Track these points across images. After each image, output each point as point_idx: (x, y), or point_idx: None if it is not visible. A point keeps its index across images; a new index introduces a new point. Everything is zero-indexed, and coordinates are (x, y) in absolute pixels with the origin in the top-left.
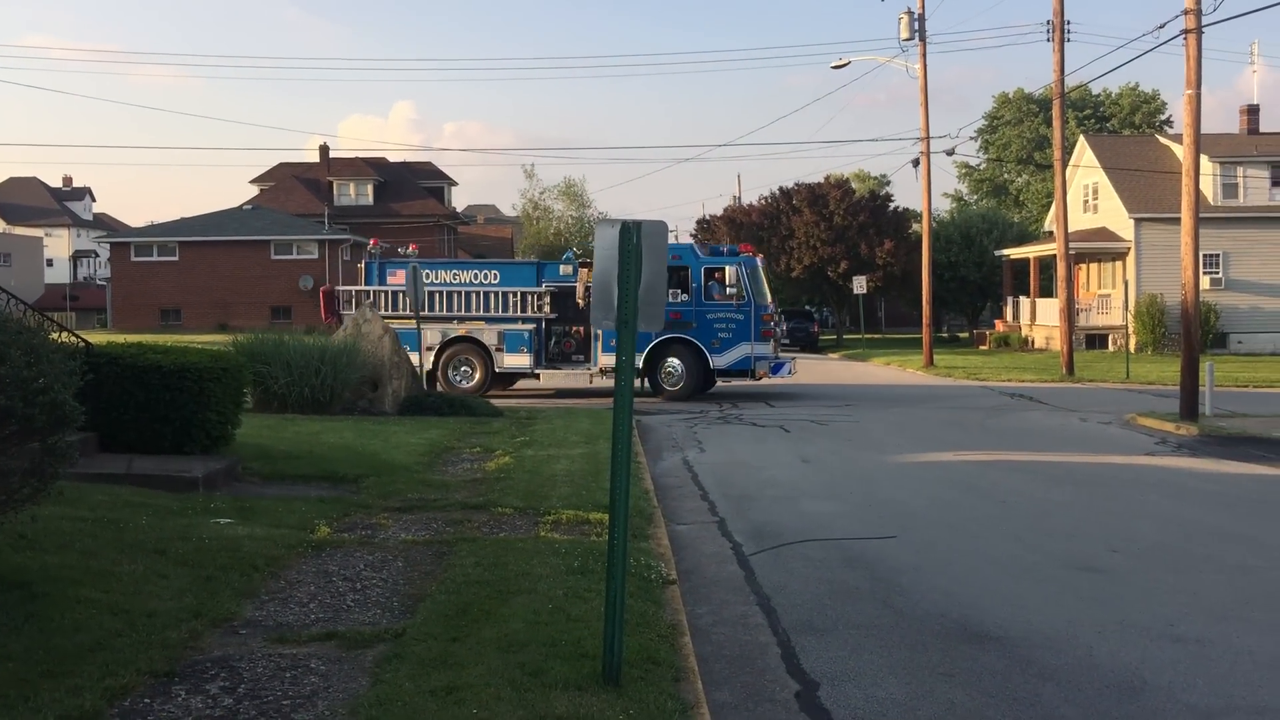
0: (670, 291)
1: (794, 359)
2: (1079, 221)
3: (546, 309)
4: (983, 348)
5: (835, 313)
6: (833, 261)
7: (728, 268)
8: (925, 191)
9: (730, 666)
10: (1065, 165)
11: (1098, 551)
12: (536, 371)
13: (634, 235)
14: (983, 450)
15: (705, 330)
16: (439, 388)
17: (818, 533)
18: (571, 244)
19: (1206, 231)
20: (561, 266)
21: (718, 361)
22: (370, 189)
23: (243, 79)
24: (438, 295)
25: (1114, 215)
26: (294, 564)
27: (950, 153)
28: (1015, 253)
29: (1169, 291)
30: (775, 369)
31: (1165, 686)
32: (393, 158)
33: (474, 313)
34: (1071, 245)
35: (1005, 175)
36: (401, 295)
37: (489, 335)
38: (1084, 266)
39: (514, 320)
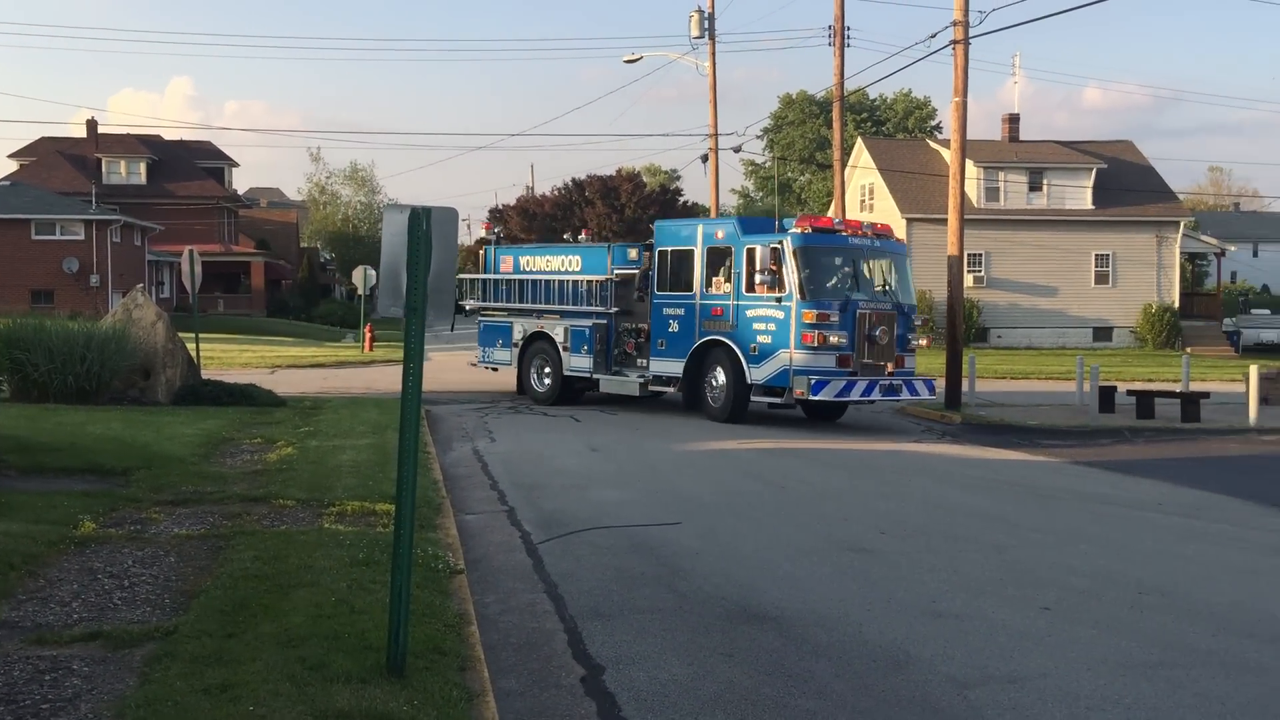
0: (714, 280)
1: (880, 380)
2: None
3: (610, 300)
4: None
5: None
6: None
7: (758, 248)
8: (713, 187)
9: (517, 654)
10: (844, 166)
11: (869, 534)
12: (595, 376)
13: (424, 221)
14: (764, 438)
15: (744, 331)
16: (525, 390)
17: (606, 520)
18: (360, 230)
19: (971, 232)
20: (630, 250)
21: (755, 373)
22: (143, 168)
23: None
24: (524, 285)
25: (888, 215)
26: (55, 562)
27: (738, 150)
28: None
29: (937, 288)
30: (816, 388)
31: (928, 659)
32: (169, 135)
33: (551, 304)
34: None
35: (789, 173)
36: (511, 284)
37: (559, 331)
38: None
39: (578, 314)
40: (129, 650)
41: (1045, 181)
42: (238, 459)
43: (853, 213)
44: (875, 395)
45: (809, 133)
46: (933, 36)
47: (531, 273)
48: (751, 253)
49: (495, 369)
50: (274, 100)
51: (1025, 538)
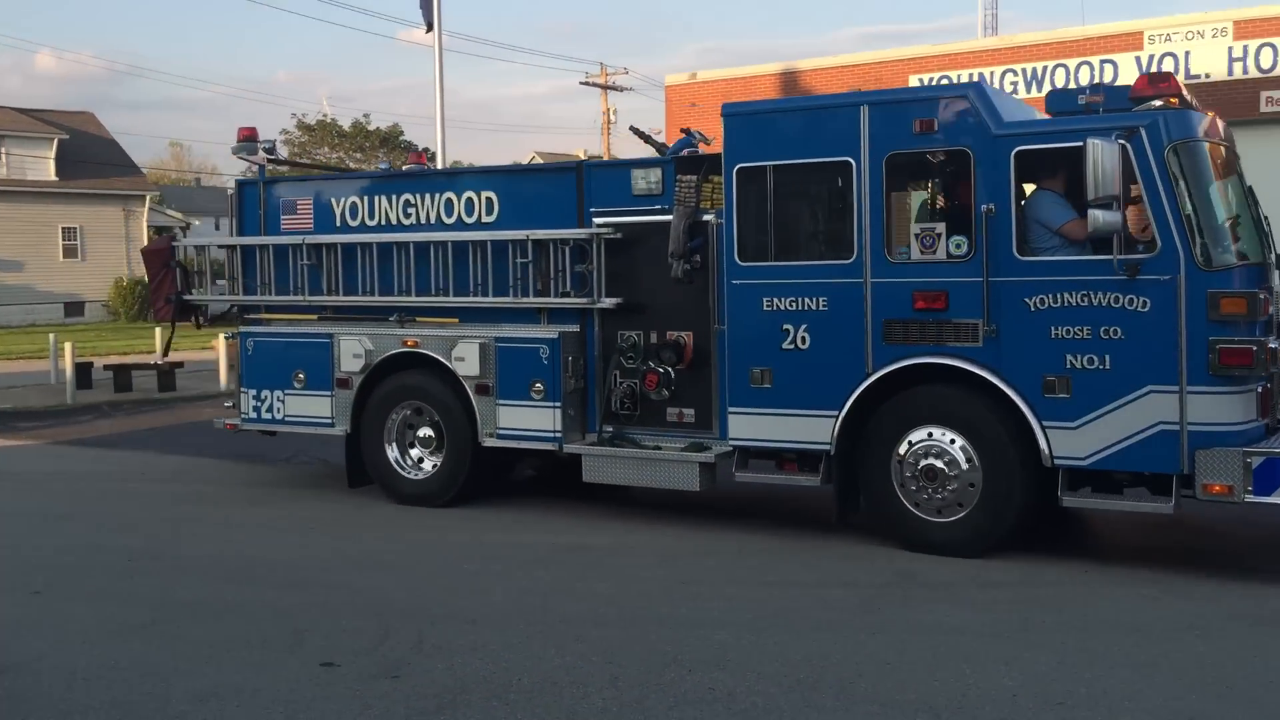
0: (909, 231)
1: None
2: None
3: (597, 284)
4: None
5: None
6: None
7: (1096, 146)
8: None
9: None
10: None
11: None
12: (567, 449)
13: None
14: None
15: (1021, 343)
16: (376, 474)
17: None
18: None
19: None
20: (642, 175)
21: (1067, 443)
22: None
23: None
24: (365, 256)
25: None
26: None
27: None
28: None
29: None
30: (1267, 477)
31: None
32: None
33: (435, 295)
34: None
35: None
36: (329, 254)
37: (467, 352)
38: None
39: (506, 312)
40: None
41: (4, 150)
42: None
43: None
44: None
45: None
46: None
47: (378, 229)
48: (1038, 164)
49: (271, 433)
50: None
51: (11, 524)
